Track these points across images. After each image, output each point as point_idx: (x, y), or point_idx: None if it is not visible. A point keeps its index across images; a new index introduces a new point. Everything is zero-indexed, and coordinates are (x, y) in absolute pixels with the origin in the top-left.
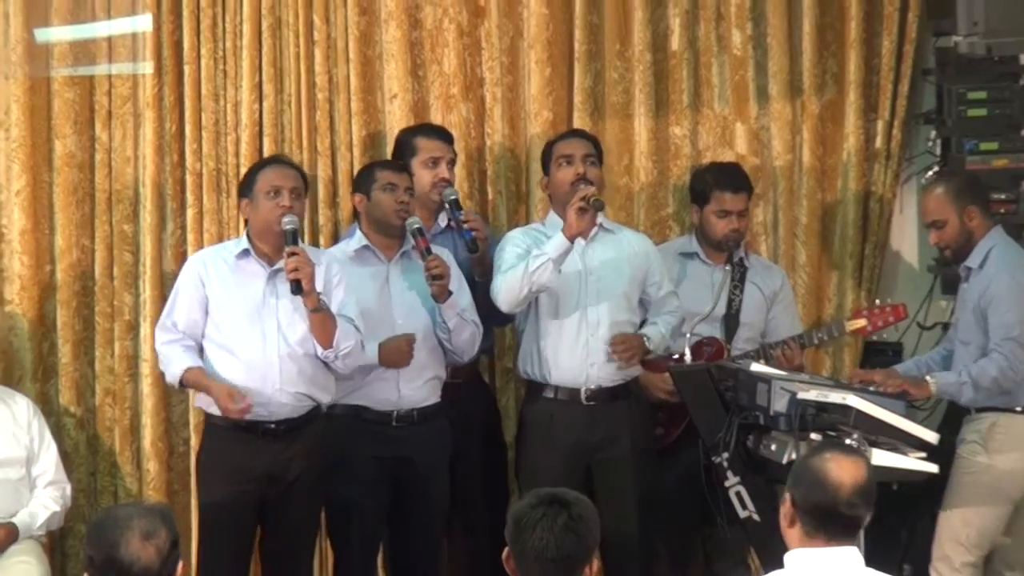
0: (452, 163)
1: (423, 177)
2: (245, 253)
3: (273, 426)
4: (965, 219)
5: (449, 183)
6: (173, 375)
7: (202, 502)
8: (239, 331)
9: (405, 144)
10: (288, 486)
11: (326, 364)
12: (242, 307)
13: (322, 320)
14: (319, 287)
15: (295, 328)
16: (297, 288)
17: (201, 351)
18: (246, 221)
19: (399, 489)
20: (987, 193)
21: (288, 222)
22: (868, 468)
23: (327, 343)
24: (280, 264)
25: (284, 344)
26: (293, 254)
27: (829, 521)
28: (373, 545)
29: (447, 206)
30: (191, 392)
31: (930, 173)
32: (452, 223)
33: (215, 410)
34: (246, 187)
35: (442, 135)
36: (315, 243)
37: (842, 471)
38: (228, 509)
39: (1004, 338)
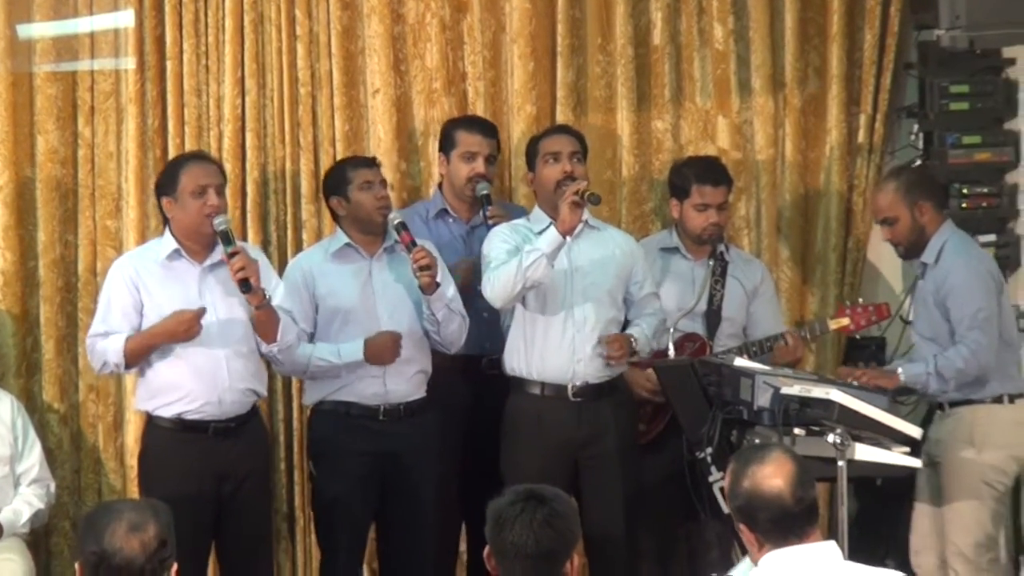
0: (491, 158)
1: (460, 170)
2: (176, 254)
3: (223, 425)
4: (916, 214)
5: (484, 178)
6: (116, 352)
7: None
8: None
9: (447, 135)
10: (239, 483)
11: (272, 359)
12: (179, 308)
13: (266, 316)
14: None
15: (233, 324)
16: (246, 287)
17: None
18: (166, 220)
19: (386, 483)
20: (939, 187)
21: (221, 222)
22: (790, 455)
23: (271, 338)
24: (210, 261)
25: (227, 342)
26: (235, 253)
27: (789, 525)
28: (359, 542)
29: (479, 201)
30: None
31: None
32: (483, 218)
33: (161, 411)
34: (168, 186)
35: (484, 129)
36: (298, 239)
37: (770, 478)
38: (183, 510)
39: (968, 328)
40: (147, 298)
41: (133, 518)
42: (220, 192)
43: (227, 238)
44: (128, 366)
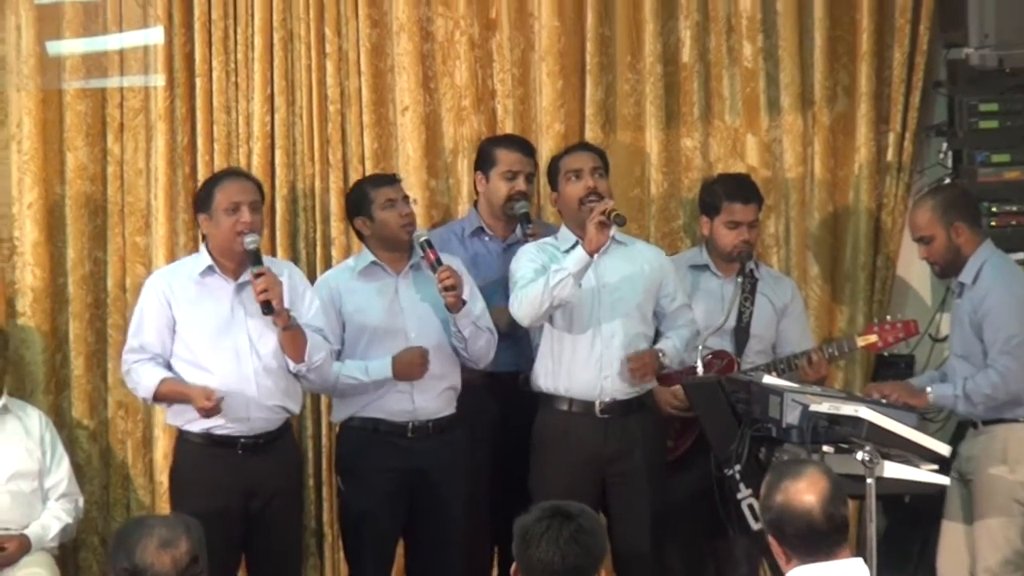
0: (531, 177)
1: (499, 189)
2: (209, 270)
3: (251, 441)
4: (952, 235)
5: (525, 196)
6: (147, 389)
7: None
8: (211, 349)
9: (486, 155)
10: (268, 499)
11: (300, 377)
12: (212, 324)
13: (292, 337)
14: (286, 301)
15: (266, 341)
16: (268, 308)
17: (169, 370)
18: (203, 236)
19: (414, 500)
20: (976, 207)
21: (250, 242)
22: (825, 472)
23: (299, 358)
24: (245, 278)
25: (257, 359)
26: (260, 275)
27: (819, 541)
28: (387, 558)
29: (518, 219)
30: (158, 409)
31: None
32: (522, 236)
33: (191, 426)
34: (204, 202)
35: (523, 147)
36: (327, 256)
37: (803, 493)
38: (212, 525)
39: (1000, 352)
40: (180, 314)
41: (164, 534)
42: (255, 209)
43: (255, 258)
44: (155, 403)
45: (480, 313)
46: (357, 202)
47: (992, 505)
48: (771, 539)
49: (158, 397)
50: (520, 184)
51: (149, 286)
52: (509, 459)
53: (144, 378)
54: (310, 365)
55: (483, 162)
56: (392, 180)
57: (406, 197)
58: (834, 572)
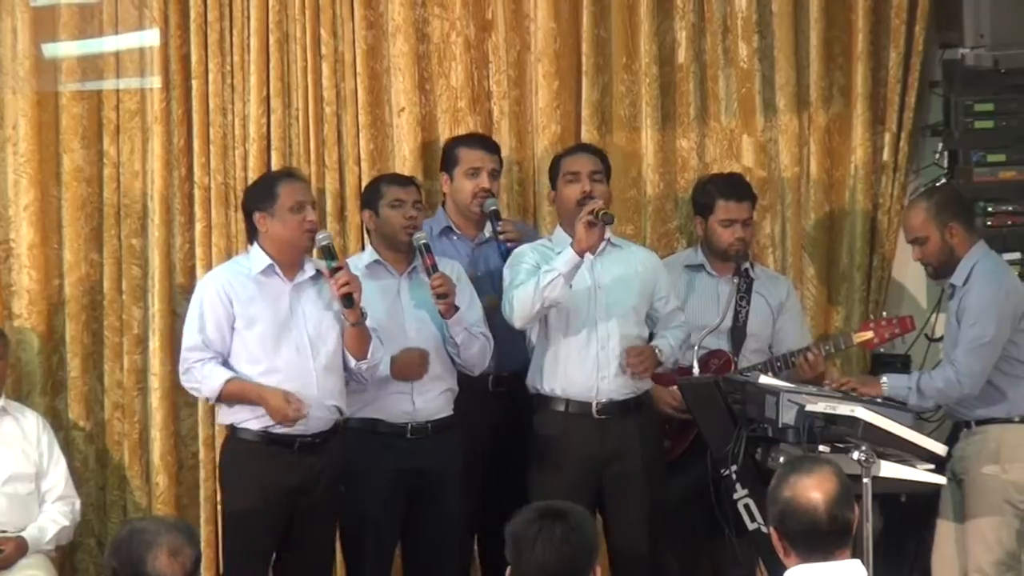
0: (495, 173)
1: (464, 187)
2: (270, 269)
3: (308, 440)
4: (946, 236)
5: (490, 193)
6: (212, 389)
7: (232, 515)
8: (273, 347)
9: (449, 154)
10: (316, 498)
11: (350, 375)
12: (272, 323)
13: (360, 333)
14: None
15: (325, 340)
16: (349, 302)
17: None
18: (252, 235)
19: (413, 501)
20: (970, 208)
21: (324, 238)
22: (836, 473)
23: (363, 355)
24: (300, 279)
25: (317, 358)
26: (339, 268)
27: (819, 540)
28: (386, 559)
29: (488, 217)
30: (201, 406)
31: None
32: (493, 234)
33: (248, 424)
34: (264, 200)
35: (485, 145)
36: None
37: (810, 490)
38: (259, 522)
39: (965, 351)
40: (239, 311)
41: (171, 542)
42: (315, 208)
43: (330, 253)
44: (219, 403)
45: (475, 320)
46: (369, 196)
47: (984, 505)
48: (773, 531)
49: (224, 397)
50: (484, 181)
51: (208, 283)
52: (487, 460)
53: (209, 377)
54: (371, 363)
55: (446, 162)
56: (408, 182)
57: (417, 202)
58: (831, 572)
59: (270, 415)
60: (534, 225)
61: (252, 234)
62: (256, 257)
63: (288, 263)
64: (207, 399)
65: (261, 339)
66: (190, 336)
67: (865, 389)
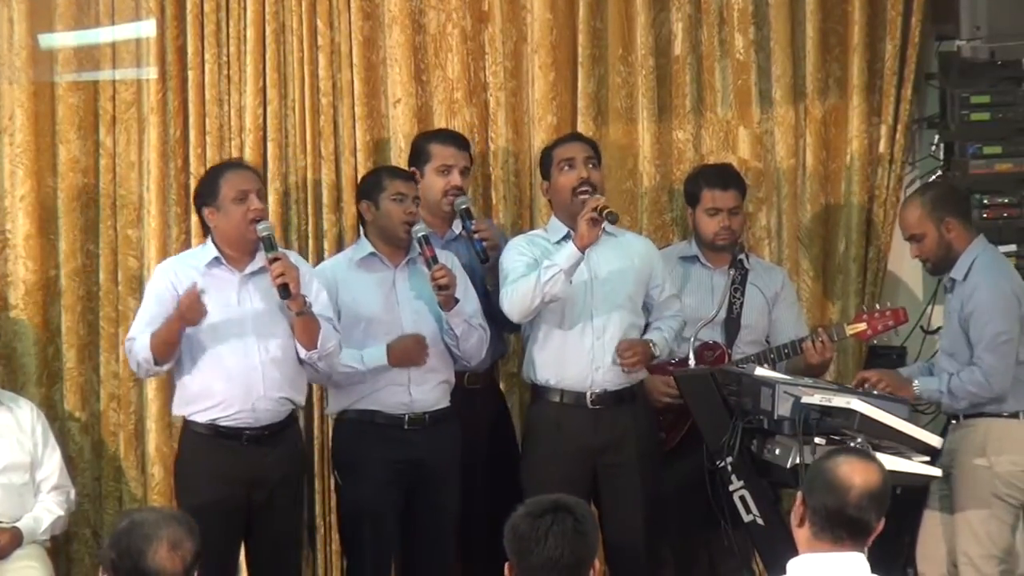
0: (466, 171)
1: (435, 184)
2: (216, 261)
3: (257, 432)
4: (943, 231)
5: (461, 191)
6: (143, 347)
7: (186, 508)
8: (218, 340)
9: (419, 150)
10: (271, 491)
11: (306, 365)
12: (219, 315)
13: (306, 322)
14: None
15: (273, 332)
16: (285, 292)
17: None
18: (206, 230)
19: (410, 492)
20: (967, 202)
21: (264, 228)
22: (882, 475)
23: (311, 344)
24: (250, 269)
25: (264, 350)
26: (276, 259)
27: (836, 523)
28: (387, 550)
29: (459, 215)
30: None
31: (934, 178)
32: (464, 232)
33: (197, 416)
34: (208, 195)
35: (457, 141)
36: (319, 248)
37: (853, 473)
38: (214, 515)
39: (985, 349)
40: None
41: (172, 535)
42: (261, 196)
43: (269, 243)
44: (159, 361)
45: (473, 312)
46: (369, 187)
47: (972, 498)
48: (799, 496)
49: (156, 349)
50: (455, 178)
51: (158, 274)
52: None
53: (137, 345)
54: (322, 352)
55: (416, 158)
56: (410, 177)
57: (417, 198)
58: (834, 564)
59: (185, 316)
60: (530, 215)
61: (206, 231)
62: (207, 250)
63: (237, 255)
64: (148, 364)
65: (206, 332)
66: (135, 327)
67: (898, 391)
